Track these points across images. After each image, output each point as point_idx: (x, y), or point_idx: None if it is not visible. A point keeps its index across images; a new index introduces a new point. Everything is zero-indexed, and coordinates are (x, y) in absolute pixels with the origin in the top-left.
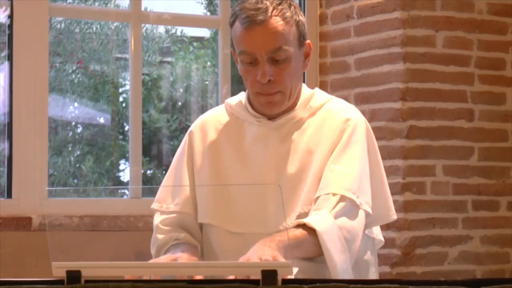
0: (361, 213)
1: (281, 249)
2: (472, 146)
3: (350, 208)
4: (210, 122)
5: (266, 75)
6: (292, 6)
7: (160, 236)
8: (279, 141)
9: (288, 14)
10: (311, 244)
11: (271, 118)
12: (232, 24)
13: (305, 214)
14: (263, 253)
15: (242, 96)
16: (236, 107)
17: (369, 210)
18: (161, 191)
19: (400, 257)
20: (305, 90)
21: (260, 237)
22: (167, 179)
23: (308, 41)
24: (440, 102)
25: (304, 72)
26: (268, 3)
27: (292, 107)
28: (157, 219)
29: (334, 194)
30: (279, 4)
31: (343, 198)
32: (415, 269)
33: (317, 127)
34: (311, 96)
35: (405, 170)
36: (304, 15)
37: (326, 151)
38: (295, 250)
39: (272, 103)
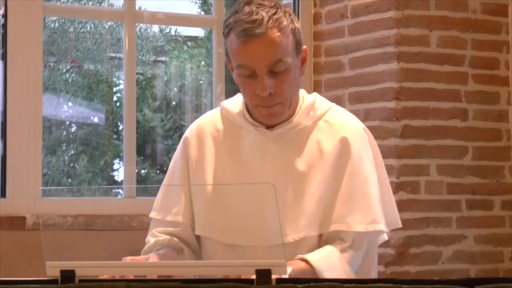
0: (373, 243)
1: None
2: (466, 146)
3: (366, 240)
4: (206, 128)
5: (266, 88)
6: (287, 14)
7: (148, 243)
8: (278, 152)
9: (284, 23)
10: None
11: (269, 126)
12: (226, 36)
13: (312, 238)
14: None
15: (238, 101)
16: (233, 114)
17: (386, 230)
18: (158, 199)
19: (394, 256)
20: (305, 97)
21: (257, 250)
22: (164, 188)
23: (304, 46)
24: (434, 102)
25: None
26: (263, 13)
27: (291, 115)
28: (153, 226)
29: (351, 232)
30: (275, 13)
31: (361, 234)
32: (409, 269)
33: (318, 141)
34: (311, 105)
35: (399, 170)
36: (298, 15)
37: (329, 172)
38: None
39: (273, 115)
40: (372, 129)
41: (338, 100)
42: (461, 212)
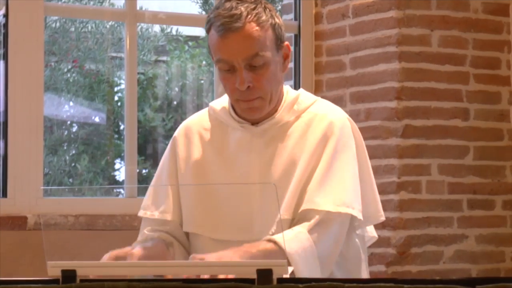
0: (343, 226)
1: (244, 258)
2: (467, 145)
3: (336, 222)
4: (194, 127)
5: (244, 82)
6: (267, 9)
7: (139, 238)
8: (263, 146)
9: (263, 18)
10: (278, 258)
11: (254, 123)
12: (208, 31)
13: (286, 221)
14: (223, 257)
15: (225, 100)
16: (219, 112)
17: (361, 217)
18: (147, 198)
19: (396, 256)
20: (289, 92)
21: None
22: (153, 188)
23: (286, 42)
24: (435, 101)
25: (296, 72)
26: (242, 8)
27: (274, 111)
28: (143, 226)
29: (317, 211)
30: (254, 8)
31: (329, 214)
32: (410, 268)
33: (302, 133)
34: (295, 99)
35: (400, 169)
36: (299, 14)
37: (309, 158)
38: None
39: (253, 109)
40: (373, 128)
41: (339, 100)
42: (462, 212)
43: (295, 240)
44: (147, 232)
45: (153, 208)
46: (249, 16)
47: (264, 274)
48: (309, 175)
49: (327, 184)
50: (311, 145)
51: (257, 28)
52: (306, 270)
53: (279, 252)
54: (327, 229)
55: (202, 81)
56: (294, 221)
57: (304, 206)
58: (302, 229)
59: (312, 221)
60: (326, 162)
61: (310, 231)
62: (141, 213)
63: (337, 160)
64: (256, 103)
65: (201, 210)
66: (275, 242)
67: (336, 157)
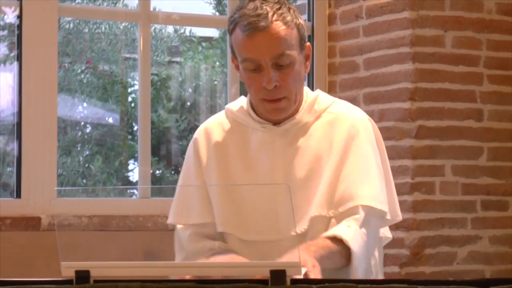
0: (376, 223)
1: (317, 259)
2: (481, 146)
3: (375, 219)
4: (214, 129)
5: (272, 81)
6: (292, 10)
7: (191, 245)
8: (285, 146)
9: (288, 18)
10: (340, 257)
11: (275, 123)
12: (231, 32)
13: (320, 218)
14: (304, 261)
15: (242, 101)
16: (238, 113)
17: (389, 217)
18: (177, 204)
19: (409, 257)
20: (308, 93)
21: (271, 244)
22: (181, 192)
23: (308, 43)
24: (449, 102)
25: (309, 73)
26: (268, 8)
27: (295, 111)
28: (182, 233)
29: (363, 206)
30: (279, 8)
31: (371, 210)
32: (424, 269)
33: (325, 132)
34: (314, 100)
35: (414, 170)
36: (313, 15)
37: (338, 156)
38: (326, 261)
39: (279, 109)
40: (387, 129)
41: (353, 101)
42: (476, 213)
43: (357, 239)
44: (196, 244)
45: (187, 214)
46: (275, 16)
47: (278, 275)
48: (338, 172)
49: (360, 180)
50: (338, 143)
51: (283, 27)
52: (360, 272)
53: (342, 250)
54: (371, 226)
55: (216, 82)
56: (338, 216)
57: (350, 203)
58: (355, 225)
59: (360, 217)
60: (354, 160)
61: (361, 227)
62: (173, 220)
63: (364, 158)
64: (282, 104)
65: (227, 210)
66: (340, 240)
67: (362, 155)
